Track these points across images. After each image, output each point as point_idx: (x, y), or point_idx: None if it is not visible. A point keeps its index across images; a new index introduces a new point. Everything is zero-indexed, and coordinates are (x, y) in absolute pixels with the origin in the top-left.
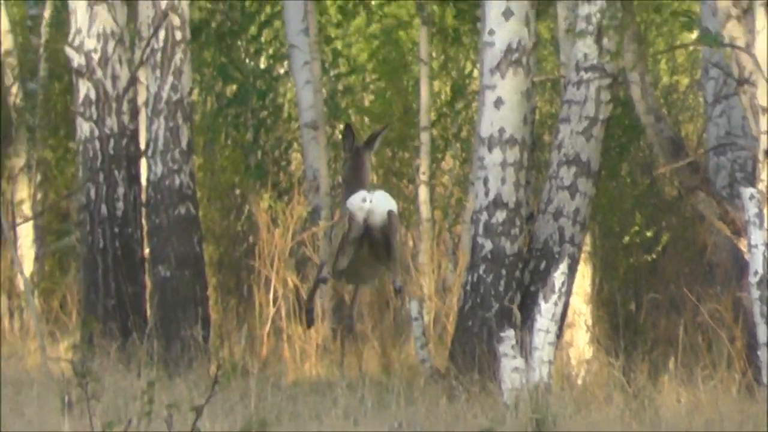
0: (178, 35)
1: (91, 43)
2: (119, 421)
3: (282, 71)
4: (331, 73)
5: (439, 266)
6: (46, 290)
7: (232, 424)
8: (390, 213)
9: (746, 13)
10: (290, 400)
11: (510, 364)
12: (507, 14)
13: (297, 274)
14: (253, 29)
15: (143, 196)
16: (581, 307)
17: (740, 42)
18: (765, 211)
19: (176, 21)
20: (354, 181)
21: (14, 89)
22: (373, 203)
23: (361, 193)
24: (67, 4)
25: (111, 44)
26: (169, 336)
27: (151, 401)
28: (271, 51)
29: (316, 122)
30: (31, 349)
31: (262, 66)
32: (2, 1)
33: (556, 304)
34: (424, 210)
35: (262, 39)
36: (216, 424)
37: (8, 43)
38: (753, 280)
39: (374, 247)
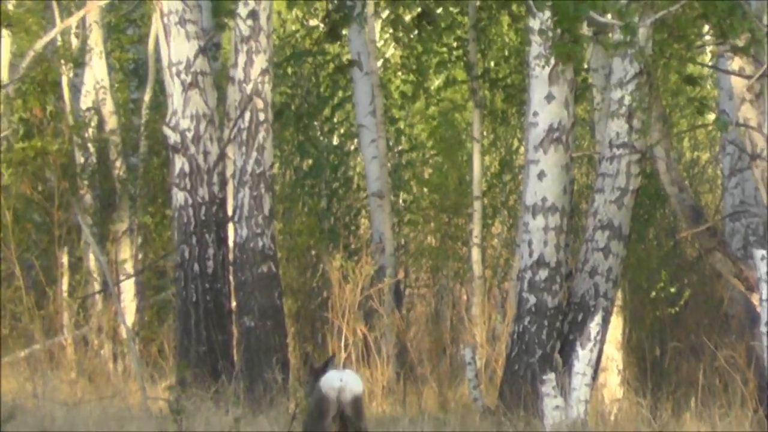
0: (261, 116)
1: (185, 123)
2: None
3: (352, 147)
4: (395, 149)
5: (490, 318)
6: (145, 338)
7: None
8: (358, 397)
9: (758, 97)
10: None
11: (551, 402)
12: (549, 98)
13: (365, 324)
14: (327, 111)
15: (230, 256)
16: (613, 353)
17: (753, 122)
18: None
19: (260, 104)
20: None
21: (118, 163)
22: (345, 381)
23: (335, 374)
24: (165, 88)
25: (203, 124)
26: (252, 378)
27: None
28: (342, 130)
29: (382, 192)
30: (132, 390)
31: (335, 143)
32: (108, 87)
33: (591, 350)
34: (476, 268)
35: (335, 120)
36: None
37: (113, 122)
38: (764, 330)
39: (344, 421)
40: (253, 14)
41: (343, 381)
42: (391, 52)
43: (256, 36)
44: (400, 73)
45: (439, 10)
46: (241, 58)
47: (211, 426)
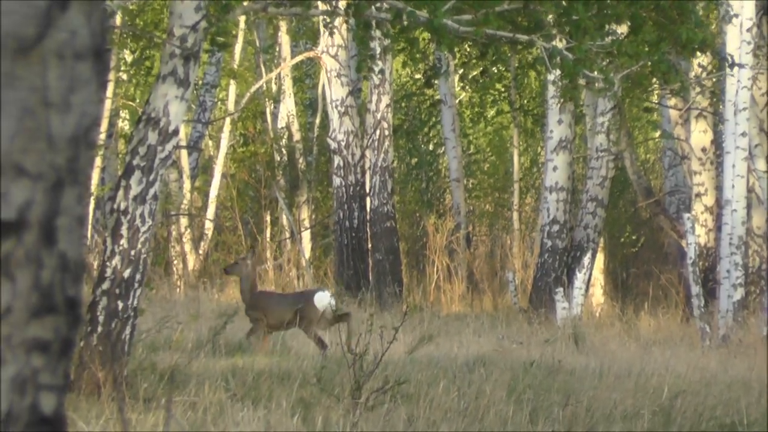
0: (386, 132)
1: (340, 137)
2: (355, 334)
3: (440, 151)
4: (466, 152)
5: (523, 254)
6: (316, 266)
7: (414, 337)
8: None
9: (685, 122)
10: (444, 324)
11: (560, 305)
12: (559, 122)
13: (448, 258)
14: (426, 129)
15: (367, 217)
16: (598, 276)
17: (682, 136)
18: (695, 225)
19: (385, 125)
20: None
21: (300, 160)
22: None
23: (327, 294)
24: (328, 115)
25: (351, 137)
26: (380, 291)
27: (371, 324)
28: (434, 140)
29: (459, 178)
30: None
31: (430, 148)
32: (294, 114)
33: (585, 274)
34: (516, 224)
35: (430, 134)
36: (406, 336)
37: (298, 136)
38: (689, 262)
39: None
40: (382, 71)
41: (328, 297)
42: (464, 94)
43: (383, 84)
44: (468, 107)
45: (494, 68)
46: (374, 97)
47: (357, 320)
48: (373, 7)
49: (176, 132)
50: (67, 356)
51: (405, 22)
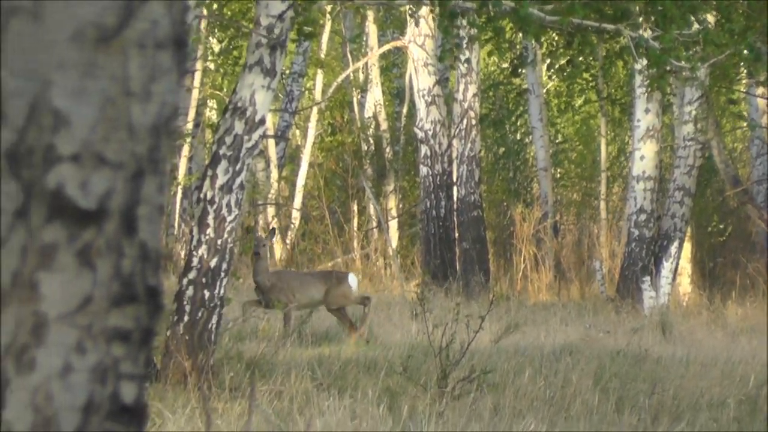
0: (473, 122)
1: (427, 126)
2: (441, 324)
3: (527, 140)
4: (554, 142)
5: (610, 243)
6: (403, 255)
7: (500, 326)
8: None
9: None
10: (531, 313)
11: (647, 294)
12: (647, 111)
13: (536, 247)
14: (513, 118)
15: (454, 206)
16: (685, 265)
17: None
18: None
19: (472, 114)
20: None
21: (387, 150)
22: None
23: (355, 277)
24: (415, 105)
25: (438, 126)
26: (467, 280)
27: (458, 313)
28: (522, 129)
29: (546, 167)
30: (395, 286)
31: (518, 137)
32: (381, 104)
33: (671, 263)
34: (603, 213)
35: (518, 123)
36: (492, 325)
37: (385, 125)
38: None
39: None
40: (467, 60)
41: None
42: (551, 83)
43: (470, 73)
44: (556, 96)
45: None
46: (461, 87)
47: (443, 308)
48: None
49: (262, 121)
50: (147, 345)
51: (491, 12)
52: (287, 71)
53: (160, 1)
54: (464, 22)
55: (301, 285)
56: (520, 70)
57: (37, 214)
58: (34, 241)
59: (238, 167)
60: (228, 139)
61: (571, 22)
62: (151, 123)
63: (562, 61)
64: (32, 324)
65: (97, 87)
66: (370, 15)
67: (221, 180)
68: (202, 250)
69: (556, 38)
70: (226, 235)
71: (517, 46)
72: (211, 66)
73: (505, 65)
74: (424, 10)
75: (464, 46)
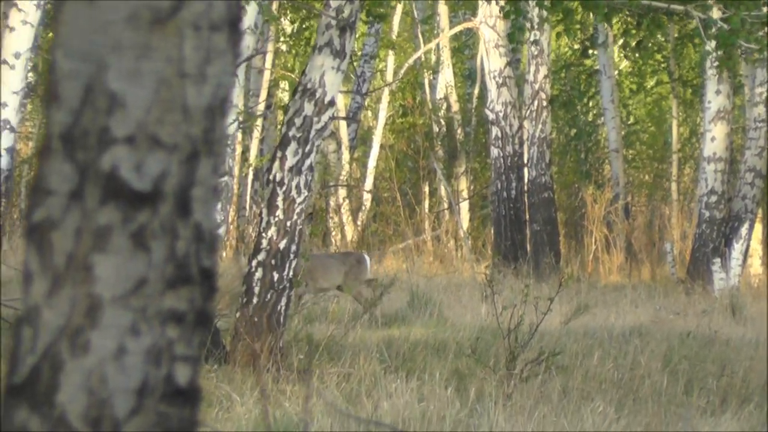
0: (544, 103)
1: (498, 107)
2: (510, 305)
3: (599, 122)
4: (626, 123)
5: (682, 225)
6: (474, 236)
7: (570, 307)
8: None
9: None
10: (601, 295)
11: (718, 276)
12: (717, 92)
13: (607, 228)
14: (585, 100)
15: (525, 187)
16: (756, 246)
17: None
18: None
19: (543, 96)
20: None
21: (459, 131)
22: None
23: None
24: (486, 86)
25: (509, 108)
26: (537, 261)
27: (527, 294)
28: (594, 110)
29: (618, 148)
30: (466, 268)
31: (589, 119)
32: (453, 85)
33: (742, 245)
34: (674, 195)
35: (590, 104)
36: (562, 307)
37: (456, 107)
38: None
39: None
40: (536, 42)
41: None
42: (624, 64)
43: (540, 54)
44: (627, 77)
45: (652, 39)
46: (532, 68)
47: (512, 289)
48: None
49: (332, 103)
50: (202, 327)
51: None
52: (359, 53)
53: None
54: (533, 4)
55: (324, 270)
56: (591, 51)
57: (92, 196)
58: (89, 223)
59: (307, 149)
60: (297, 121)
61: (639, 3)
62: (206, 104)
63: (633, 42)
64: (87, 306)
65: (152, 69)
66: None
67: (290, 161)
68: (272, 232)
69: (629, 19)
70: (295, 217)
71: (590, 28)
72: (283, 47)
73: (577, 46)
74: None
75: (534, 27)
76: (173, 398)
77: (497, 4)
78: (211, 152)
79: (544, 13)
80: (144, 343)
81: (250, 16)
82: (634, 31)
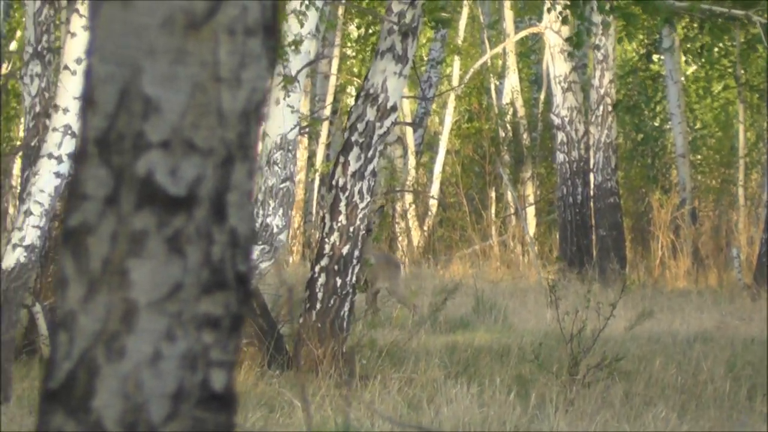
0: (609, 108)
1: (564, 112)
2: (572, 311)
3: (666, 127)
4: (692, 128)
5: (748, 230)
6: (540, 242)
7: (635, 312)
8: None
9: None
10: (667, 300)
11: None
12: None
13: (674, 234)
14: (651, 105)
15: (591, 192)
16: None
17: None
18: None
19: (608, 101)
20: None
21: (525, 136)
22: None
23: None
24: (551, 91)
25: (574, 113)
26: (602, 266)
27: (589, 300)
28: (660, 115)
29: (684, 153)
30: (532, 273)
31: (656, 124)
32: (519, 90)
33: None
34: (741, 200)
35: (656, 109)
36: (627, 312)
37: (522, 112)
38: None
39: None
40: (605, 47)
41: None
42: (691, 69)
43: (606, 60)
44: (694, 81)
45: (719, 44)
46: (597, 73)
47: (577, 295)
48: None
49: (394, 108)
50: (237, 332)
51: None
52: (425, 57)
53: None
54: (594, 8)
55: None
56: (656, 56)
57: (127, 201)
58: (124, 228)
59: (370, 154)
60: (360, 126)
61: (700, 7)
62: (241, 109)
63: (697, 46)
64: (122, 311)
65: (187, 73)
66: (507, 2)
67: (353, 167)
68: (334, 237)
69: (695, 24)
70: (358, 222)
71: (654, 32)
72: (350, 52)
73: (643, 51)
74: None
75: (598, 32)
76: (209, 403)
77: (555, 10)
78: (246, 157)
79: (607, 17)
80: (179, 348)
81: (311, 21)
82: (699, 36)
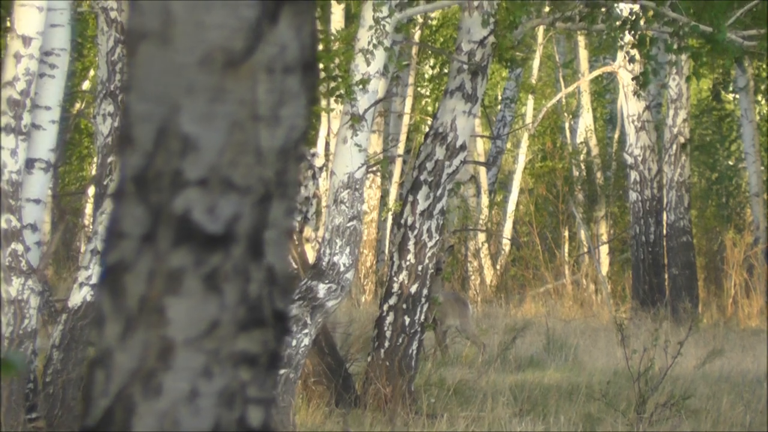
0: (682, 147)
1: (637, 151)
2: (641, 351)
3: (740, 166)
4: None
5: None
6: (613, 281)
7: (706, 351)
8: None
9: None
10: (739, 339)
11: None
12: None
13: (747, 273)
14: (726, 144)
15: (664, 231)
16: None
17: None
18: None
19: (681, 140)
20: None
21: (599, 175)
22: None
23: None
24: (624, 130)
25: (647, 152)
26: (674, 306)
27: (656, 338)
28: (735, 154)
29: (758, 193)
30: (605, 312)
31: (731, 163)
32: (593, 129)
33: None
34: None
35: (731, 148)
36: (698, 351)
37: (596, 151)
38: None
39: None
40: (678, 86)
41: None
42: (766, 108)
43: (679, 98)
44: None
45: None
46: (671, 112)
47: (648, 333)
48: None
49: (463, 147)
50: (274, 369)
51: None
52: (499, 96)
53: (289, 25)
54: (662, 48)
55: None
56: (722, 94)
57: (164, 239)
58: (161, 266)
59: (438, 193)
60: (429, 165)
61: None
62: (279, 147)
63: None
64: (159, 348)
65: (225, 111)
66: (582, 40)
67: (422, 206)
68: (403, 276)
69: (764, 65)
70: (426, 261)
71: (732, 72)
72: (423, 91)
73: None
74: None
75: (670, 71)
76: None
77: (623, 50)
78: (284, 195)
79: (675, 56)
80: (216, 385)
81: (379, 60)
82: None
